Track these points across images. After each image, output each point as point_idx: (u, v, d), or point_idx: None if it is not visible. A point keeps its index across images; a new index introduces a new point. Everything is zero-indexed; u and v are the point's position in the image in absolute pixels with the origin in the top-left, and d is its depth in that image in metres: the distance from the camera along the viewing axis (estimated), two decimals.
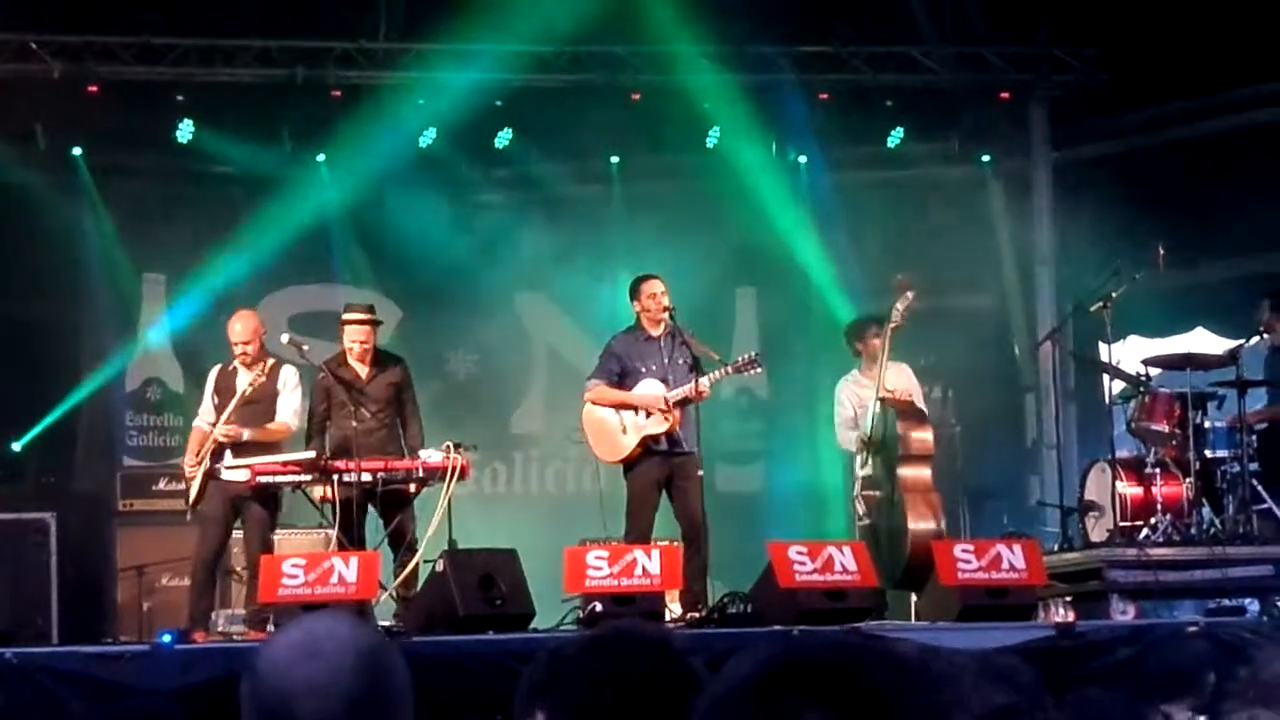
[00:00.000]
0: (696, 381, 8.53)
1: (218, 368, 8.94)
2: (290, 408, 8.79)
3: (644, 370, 8.74)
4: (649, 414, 8.64)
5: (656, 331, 8.80)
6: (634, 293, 8.86)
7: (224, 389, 8.80)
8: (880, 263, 11.30)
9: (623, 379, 8.77)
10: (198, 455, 8.69)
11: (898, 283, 9.21)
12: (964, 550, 7.82)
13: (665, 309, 8.71)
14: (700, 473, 8.56)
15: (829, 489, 11.53)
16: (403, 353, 9.43)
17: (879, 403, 9.05)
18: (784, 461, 12.20)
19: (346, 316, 8.93)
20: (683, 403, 8.64)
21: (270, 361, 8.81)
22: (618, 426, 8.70)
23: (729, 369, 8.73)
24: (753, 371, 8.87)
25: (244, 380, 8.72)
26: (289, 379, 8.83)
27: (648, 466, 8.64)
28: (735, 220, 11.97)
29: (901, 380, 9.32)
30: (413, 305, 12.05)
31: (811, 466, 11.90)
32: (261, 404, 8.72)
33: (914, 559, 8.61)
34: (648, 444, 8.63)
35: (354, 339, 8.85)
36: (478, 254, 11.93)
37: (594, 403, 8.79)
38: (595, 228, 12.19)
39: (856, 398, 9.30)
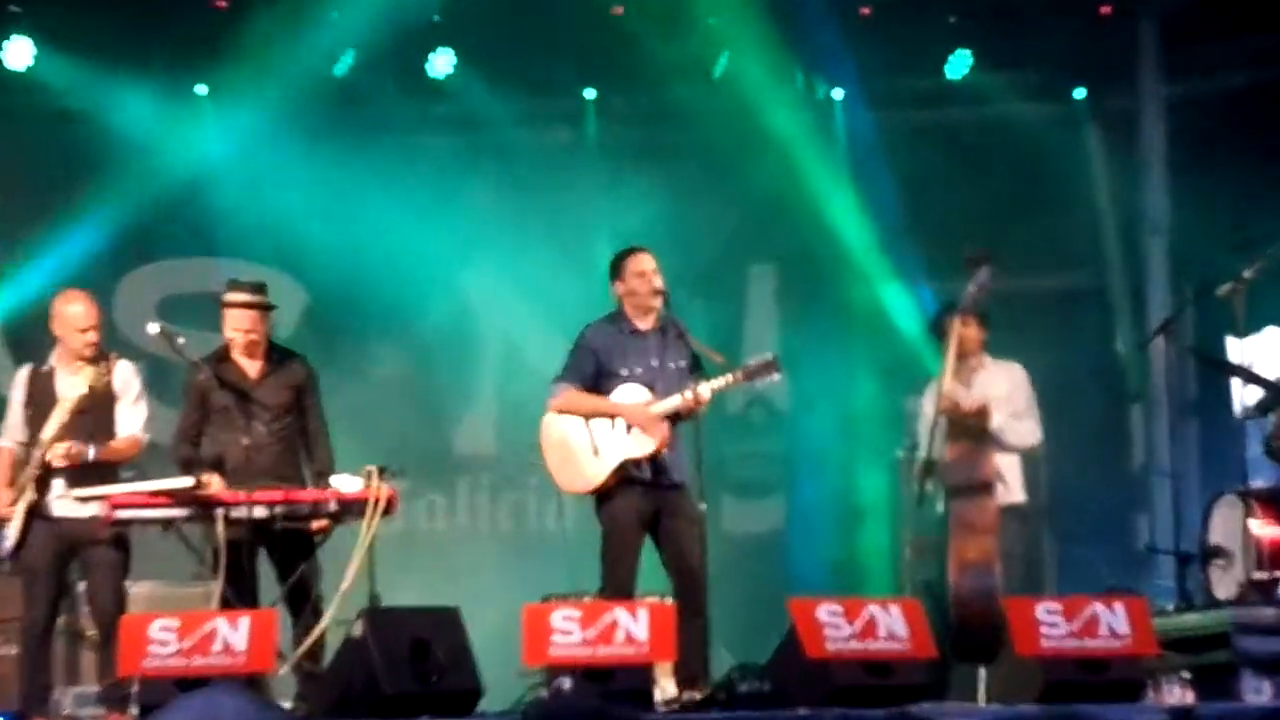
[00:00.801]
0: (695, 390, 8.52)
1: (26, 369, 8.91)
2: (140, 415, 8.77)
3: (625, 373, 8.70)
4: (629, 428, 8.62)
5: (645, 323, 8.78)
6: (616, 270, 8.84)
7: (41, 396, 8.76)
8: (941, 231, 11.27)
9: (599, 382, 8.75)
10: (14, 486, 8.67)
11: (969, 258, 9.20)
12: (1049, 611, 7.79)
13: (657, 293, 8.70)
14: (701, 507, 8.53)
15: (871, 529, 11.52)
16: (311, 347, 9.39)
17: (942, 415, 9.07)
18: (811, 492, 12.18)
19: (228, 298, 8.89)
20: (674, 417, 8.63)
21: (111, 356, 8.80)
22: (587, 446, 8.67)
23: (738, 375, 8.68)
24: (768, 380, 8.84)
25: (72, 383, 8.68)
26: (130, 379, 8.81)
27: (626, 499, 8.60)
28: (749, 176, 11.95)
29: (998, 385, 9.34)
30: (323, 285, 12.02)
31: (848, 499, 11.89)
32: (95, 413, 8.69)
33: (961, 621, 8.61)
34: (626, 470, 8.64)
35: (238, 327, 8.81)
36: (410, 218, 11.89)
37: (560, 411, 8.79)
38: (565, 184, 12.15)
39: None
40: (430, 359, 12.35)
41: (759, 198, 12.04)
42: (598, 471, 8.65)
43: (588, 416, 8.70)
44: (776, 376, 8.77)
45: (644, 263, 8.78)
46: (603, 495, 8.67)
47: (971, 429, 9.07)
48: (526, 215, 12.03)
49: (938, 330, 9.57)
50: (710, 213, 11.88)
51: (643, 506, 8.62)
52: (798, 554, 11.98)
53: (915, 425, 9.61)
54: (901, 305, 11.72)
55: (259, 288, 8.95)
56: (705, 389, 8.55)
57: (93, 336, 8.76)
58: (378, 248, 11.82)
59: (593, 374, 8.74)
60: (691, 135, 12.07)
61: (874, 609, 7.75)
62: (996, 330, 9.56)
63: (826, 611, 7.69)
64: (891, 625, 7.69)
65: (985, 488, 8.99)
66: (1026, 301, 10.94)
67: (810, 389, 11.98)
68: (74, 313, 8.79)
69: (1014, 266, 9.76)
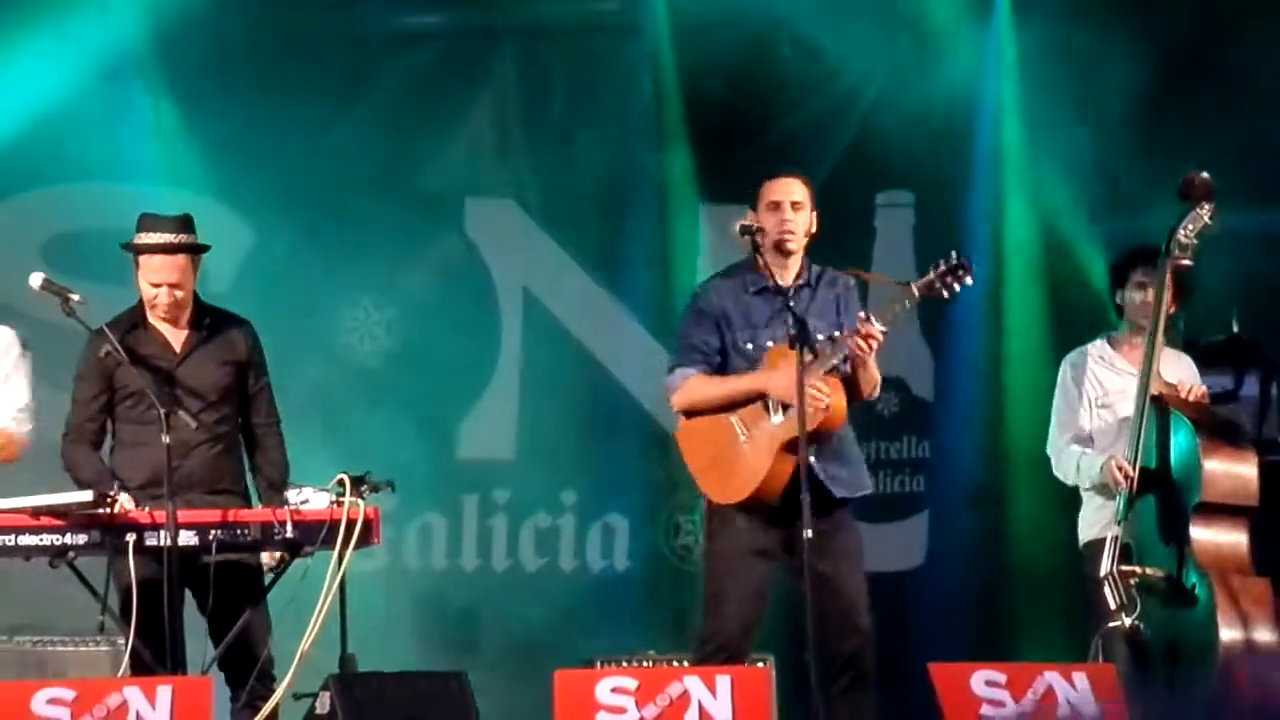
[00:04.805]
0: (864, 321, 8.41)
1: None
2: (15, 400, 8.81)
3: (750, 346, 8.73)
4: (780, 407, 8.53)
5: (781, 277, 8.76)
6: (752, 202, 8.80)
7: None
8: (1139, 146, 11.26)
9: (725, 361, 8.77)
10: None
11: (1189, 184, 9.15)
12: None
13: (795, 233, 8.68)
14: (807, 534, 8.46)
15: (1046, 563, 11.51)
16: (258, 307, 9.40)
17: (1152, 402, 9.04)
18: (960, 513, 12.24)
19: (141, 239, 8.89)
20: (847, 384, 8.59)
21: None
22: (733, 433, 8.68)
23: (913, 290, 8.55)
24: (958, 285, 8.71)
25: None
26: (5, 346, 8.87)
27: (750, 527, 8.60)
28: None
29: (1183, 374, 9.39)
30: (273, 223, 12.07)
31: (1013, 522, 11.88)
32: None
33: (1222, 689, 8.56)
34: (779, 475, 8.54)
35: (158, 278, 8.80)
36: (397, 130, 12.02)
37: (689, 411, 8.79)
38: (621, 70, 12.28)
39: (1100, 389, 9.33)
40: (423, 325, 12.35)
41: (885, 95, 12.10)
42: (754, 464, 8.59)
43: (724, 408, 8.70)
44: (969, 279, 8.69)
45: (780, 189, 8.77)
46: (712, 512, 8.71)
47: (1212, 424, 9.07)
48: (568, 120, 12.20)
49: (1114, 279, 9.52)
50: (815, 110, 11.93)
51: (764, 539, 8.60)
52: (942, 602, 11.99)
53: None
54: (1088, 247, 11.71)
55: (181, 223, 8.96)
56: (877, 325, 8.47)
57: None
58: (353, 170, 11.91)
59: (718, 347, 8.74)
60: None
61: (1051, 677, 7.76)
62: (1207, 291, 9.55)
63: (983, 681, 7.71)
64: (1073, 698, 7.70)
65: (1242, 511, 9.01)
66: (1251, 245, 10.89)
67: (959, 368, 12.00)
68: None
69: (1234, 194, 9.67)
